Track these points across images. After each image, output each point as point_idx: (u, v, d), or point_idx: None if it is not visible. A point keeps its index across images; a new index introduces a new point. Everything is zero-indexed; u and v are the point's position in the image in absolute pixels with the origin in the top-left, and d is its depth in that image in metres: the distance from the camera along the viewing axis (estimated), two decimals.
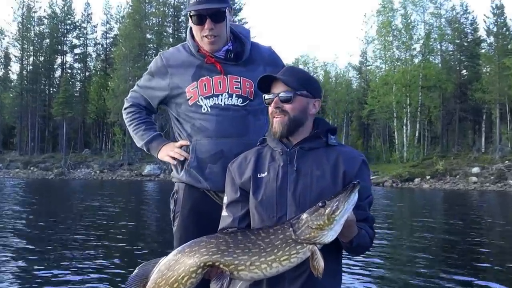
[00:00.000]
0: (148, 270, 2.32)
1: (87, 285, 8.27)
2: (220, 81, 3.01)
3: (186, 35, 3.17)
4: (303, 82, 2.50)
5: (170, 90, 3.08)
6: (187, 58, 3.08)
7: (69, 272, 9.59)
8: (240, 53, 3.06)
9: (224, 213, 2.60)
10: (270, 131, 2.56)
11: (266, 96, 2.53)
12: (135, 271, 2.32)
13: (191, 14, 2.95)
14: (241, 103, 3.01)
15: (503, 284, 8.63)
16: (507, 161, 45.97)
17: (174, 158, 3.06)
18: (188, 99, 3.02)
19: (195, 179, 3.02)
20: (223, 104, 2.99)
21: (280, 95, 2.45)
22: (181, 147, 3.05)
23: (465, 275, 9.66)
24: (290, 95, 2.44)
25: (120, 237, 13.79)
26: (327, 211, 2.15)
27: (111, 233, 14.69)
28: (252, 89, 3.02)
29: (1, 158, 66.30)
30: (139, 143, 3.23)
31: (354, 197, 2.17)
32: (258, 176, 2.50)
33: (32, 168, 61.90)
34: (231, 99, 3.00)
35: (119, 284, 7.81)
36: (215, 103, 2.99)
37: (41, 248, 12.00)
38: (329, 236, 2.17)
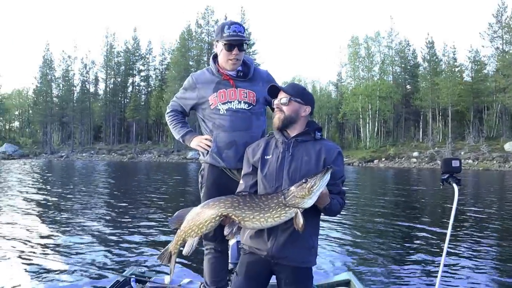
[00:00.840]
0: (183, 214, 2.32)
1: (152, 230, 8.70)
2: (232, 92, 2.93)
3: (211, 62, 3.04)
4: (298, 92, 2.44)
5: (198, 99, 3.02)
6: (209, 77, 3.00)
7: (140, 221, 10.11)
8: (247, 73, 2.98)
9: (241, 181, 2.54)
10: (274, 125, 2.49)
11: (274, 101, 2.47)
12: (175, 214, 2.32)
13: (224, 43, 2.86)
14: (247, 107, 2.94)
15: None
16: (436, 148, 46.09)
17: (201, 147, 3.00)
18: (210, 105, 2.95)
19: (216, 160, 2.95)
20: (234, 108, 2.92)
21: (281, 99, 2.43)
22: (206, 139, 2.98)
23: (405, 220, 10.16)
24: (286, 100, 2.40)
25: (171, 196, 14.52)
26: (308, 185, 2.13)
27: (166, 194, 15.44)
28: (255, 98, 2.96)
29: (93, 147, 66.50)
30: (176, 136, 3.16)
31: (327, 177, 2.15)
32: (265, 157, 2.43)
33: (113, 153, 61.90)
34: (240, 104, 2.92)
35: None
36: (229, 107, 2.92)
37: (123, 203, 12.67)
38: (308, 203, 2.15)
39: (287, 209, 2.17)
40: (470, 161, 40.75)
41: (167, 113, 3.20)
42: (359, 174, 32.20)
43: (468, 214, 10.83)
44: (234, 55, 2.87)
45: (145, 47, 74.54)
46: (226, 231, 2.24)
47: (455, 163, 2.90)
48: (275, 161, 2.38)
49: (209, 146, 2.95)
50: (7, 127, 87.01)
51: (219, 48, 2.93)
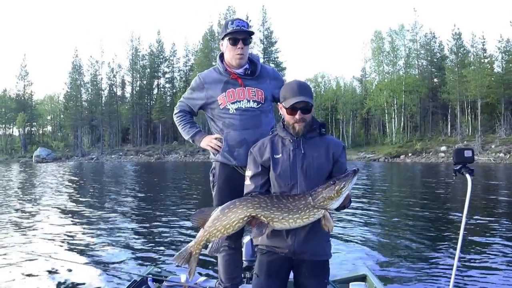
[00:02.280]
0: (206, 212, 2.27)
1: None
2: (241, 91, 2.91)
3: (217, 61, 3.01)
4: (311, 93, 2.42)
5: (206, 99, 2.99)
6: (217, 77, 2.97)
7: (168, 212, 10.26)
8: (254, 71, 2.96)
9: (248, 182, 2.46)
10: (288, 127, 2.40)
11: (299, 113, 2.33)
12: (197, 210, 2.28)
13: (229, 37, 2.86)
14: (256, 105, 2.92)
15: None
16: (465, 141, 44.87)
17: (211, 147, 2.99)
18: (220, 105, 2.93)
19: (227, 159, 2.95)
20: (244, 107, 2.90)
21: (304, 111, 2.35)
22: (216, 138, 2.97)
23: (427, 215, 9.93)
24: (310, 106, 2.36)
25: (195, 195, 14.69)
26: (337, 187, 2.13)
27: (190, 193, 15.64)
28: (263, 96, 2.94)
29: (121, 148, 67.94)
30: (186, 136, 3.13)
31: (355, 179, 2.18)
32: (275, 156, 2.39)
33: (140, 154, 62.99)
34: (249, 103, 2.91)
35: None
36: (238, 107, 2.90)
37: (147, 203, 12.96)
38: (335, 204, 2.17)
39: (315, 210, 2.17)
40: (501, 154, 39.51)
41: (175, 113, 3.18)
42: (385, 170, 31.68)
43: (500, 208, 10.52)
44: (239, 49, 2.86)
45: (169, 49, 75.49)
46: (255, 232, 2.22)
47: (468, 153, 2.83)
48: (287, 159, 2.36)
49: (219, 146, 2.94)
50: (40, 131, 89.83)
51: (224, 45, 2.93)
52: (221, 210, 2.24)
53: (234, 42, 2.86)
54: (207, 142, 3.00)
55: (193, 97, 3.08)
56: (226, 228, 2.23)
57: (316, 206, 2.15)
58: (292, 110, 2.35)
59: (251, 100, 2.92)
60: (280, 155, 2.39)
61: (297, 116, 2.34)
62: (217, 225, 2.22)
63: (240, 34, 2.85)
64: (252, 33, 2.93)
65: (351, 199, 2.40)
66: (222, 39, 2.94)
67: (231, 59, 2.92)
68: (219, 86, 2.94)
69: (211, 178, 3.11)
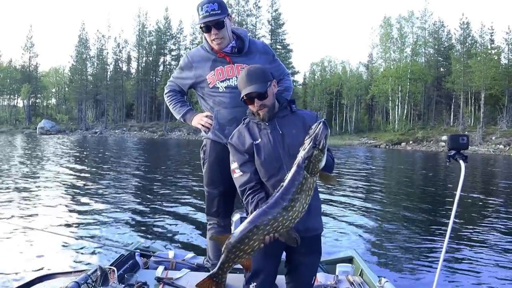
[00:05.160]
0: (222, 242, 2.11)
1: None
2: (230, 69, 2.85)
3: (203, 39, 2.93)
4: (264, 78, 2.33)
5: (195, 78, 2.94)
6: (205, 55, 2.91)
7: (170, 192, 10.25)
8: (242, 48, 2.88)
9: (238, 173, 2.37)
10: (256, 115, 2.37)
11: (255, 105, 2.32)
12: (212, 243, 2.15)
13: (201, 26, 2.79)
14: None
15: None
16: (467, 132, 44.53)
17: (202, 125, 2.96)
18: (209, 83, 2.88)
19: (218, 137, 2.92)
20: (233, 85, 2.82)
21: (259, 103, 2.31)
22: (206, 116, 2.95)
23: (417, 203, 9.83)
24: (265, 92, 2.30)
25: (194, 173, 14.69)
26: (320, 147, 2.08)
27: (189, 170, 15.66)
28: None
29: (125, 124, 67.86)
30: (177, 116, 3.09)
31: (327, 129, 2.13)
32: (255, 142, 2.34)
33: (144, 131, 62.87)
34: None
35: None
36: (228, 85, 2.85)
37: (146, 179, 12.97)
38: (323, 161, 2.11)
39: (314, 178, 2.13)
40: (501, 146, 39.39)
41: (165, 93, 3.14)
42: (384, 155, 31.74)
43: (493, 198, 10.53)
44: (214, 35, 2.78)
45: (176, 27, 74.73)
46: (291, 242, 2.11)
47: (462, 140, 2.77)
48: (268, 142, 2.33)
49: (210, 123, 2.92)
50: (44, 104, 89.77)
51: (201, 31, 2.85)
52: (239, 238, 2.05)
53: (207, 30, 2.79)
54: (198, 120, 2.98)
55: (182, 76, 3.04)
56: (249, 253, 2.09)
57: (312, 174, 2.10)
58: (249, 100, 2.32)
59: None
60: (260, 139, 2.35)
61: (255, 105, 2.32)
62: (239, 254, 2.08)
63: (211, 21, 2.74)
64: (224, 14, 2.74)
65: (333, 156, 2.37)
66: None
67: (211, 44, 2.86)
68: (208, 65, 2.89)
69: (201, 155, 3.10)
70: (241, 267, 2.22)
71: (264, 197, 2.29)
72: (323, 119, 2.17)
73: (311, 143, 2.09)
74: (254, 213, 2.11)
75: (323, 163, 2.11)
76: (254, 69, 2.38)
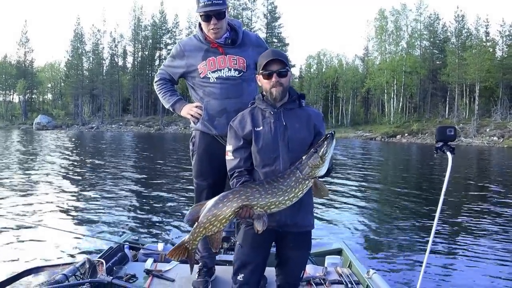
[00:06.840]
0: (198, 210, 2.14)
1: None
2: (222, 60, 2.81)
3: (197, 28, 2.89)
4: (287, 59, 2.35)
5: (187, 67, 2.90)
6: (198, 44, 2.87)
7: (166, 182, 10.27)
8: (235, 39, 2.85)
9: (231, 157, 2.37)
10: (267, 95, 2.36)
11: (274, 75, 2.29)
12: (190, 211, 2.16)
13: (200, 14, 2.75)
14: (238, 74, 2.82)
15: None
16: (461, 124, 44.80)
17: (192, 115, 2.91)
18: (200, 73, 2.84)
19: (207, 128, 2.88)
20: (225, 76, 2.81)
21: (280, 71, 2.30)
22: (196, 107, 2.89)
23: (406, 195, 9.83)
24: (285, 71, 2.31)
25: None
26: (320, 154, 2.10)
27: (183, 164, 15.67)
28: (245, 64, 2.84)
29: (122, 119, 67.73)
30: (166, 105, 3.03)
31: (334, 142, 2.15)
32: (256, 129, 2.32)
33: (140, 125, 62.95)
34: (230, 72, 2.81)
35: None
36: (219, 75, 2.81)
37: (141, 172, 12.96)
38: (322, 170, 2.14)
39: (306, 182, 2.14)
40: (495, 138, 39.53)
41: (155, 82, 3.08)
42: (378, 148, 31.80)
43: (488, 189, 10.58)
44: (213, 24, 2.74)
45: (172, 21, 74.24)
46: (258, 225, 2.11)
47: (450, 131, 2.77)
48: (268, 131, 2.30)
49: (199, 114, 2.87)
50: (40, 99, 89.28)
51: (199, 19, 2.82)
52: (213, 203, 2.12)
53: (206, 19, 2.75)
54: (187, 110, 2.92)
55: (173, 65, 2.99)
56: (221, 222, 2.12)
57: (305, 178, 2.12)
58: (268, 75, 2.31)
59: (232, 69, 2.82)
60: (261, 127, 2.32)
61: (273, 79, 2.29)
62: (211, 220, 2.11)
63: (212, 10, 2.70)
64: (225, 5, 2.74)
65: (333, 162, 2.36)
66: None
67: (207, 33, 2.82)
68: (200, 54, 2.84)
69: (190, 147, 3.05)
70: (230, 259, 2.23)
71: (250, 181, 2.30)
72: (332, 131, 2.20)
73: (313, 149, 2.13)
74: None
75: (321, 171, 2.13)
76: (280, 51, 2.43)
